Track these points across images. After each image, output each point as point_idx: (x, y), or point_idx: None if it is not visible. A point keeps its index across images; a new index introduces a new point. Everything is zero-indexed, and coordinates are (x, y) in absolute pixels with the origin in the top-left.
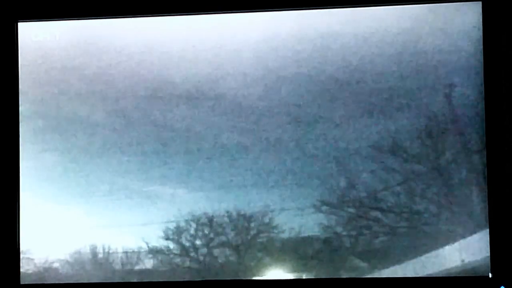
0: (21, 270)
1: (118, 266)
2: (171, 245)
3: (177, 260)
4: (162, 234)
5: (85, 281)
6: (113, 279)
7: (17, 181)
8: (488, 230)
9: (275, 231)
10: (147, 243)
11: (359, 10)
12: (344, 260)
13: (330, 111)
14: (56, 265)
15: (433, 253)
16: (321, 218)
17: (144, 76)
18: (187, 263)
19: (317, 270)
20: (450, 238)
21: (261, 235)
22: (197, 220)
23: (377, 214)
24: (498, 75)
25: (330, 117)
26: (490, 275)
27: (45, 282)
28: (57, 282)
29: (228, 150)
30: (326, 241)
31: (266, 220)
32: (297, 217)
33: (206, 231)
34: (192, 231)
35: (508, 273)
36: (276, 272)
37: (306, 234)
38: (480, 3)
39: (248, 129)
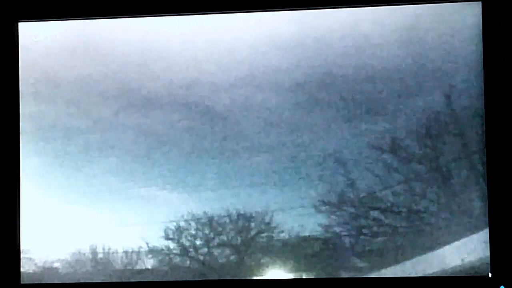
0: (21, 270)
1: (118, 266)
2: (171, 245)
3: (177, 260)
4: (162, 234)
5: (85, 281)
6: (113, 279)
7: (17, 181)
8: (488, 230)
9: (275, 231)
10: (147, 243)
11: (359, 10)
12: (344, 260)
13: (329, 110)
14: (56, 265)
15: (433, 252)
16: (320, 218)
17: (146, 76)
18: (187, 263)
19: (317, 270)
20: (450, 238)
21: (261, 235)
22: (197, 220)
23: (377, 213)
24: (498, 75)
25: (330, 116)
26: (490, 275)
27: (45, 282)
28: (57, 282)
29: (228, 150)
30: (326, 241)
31: (266, 220)
32: (297, 217)
33: (206, 231)
34: (192, 231)
35: (508, 273)
36: (276, 272)
37: (306, 234)
38: (480, 3)
39: (249, 129)
